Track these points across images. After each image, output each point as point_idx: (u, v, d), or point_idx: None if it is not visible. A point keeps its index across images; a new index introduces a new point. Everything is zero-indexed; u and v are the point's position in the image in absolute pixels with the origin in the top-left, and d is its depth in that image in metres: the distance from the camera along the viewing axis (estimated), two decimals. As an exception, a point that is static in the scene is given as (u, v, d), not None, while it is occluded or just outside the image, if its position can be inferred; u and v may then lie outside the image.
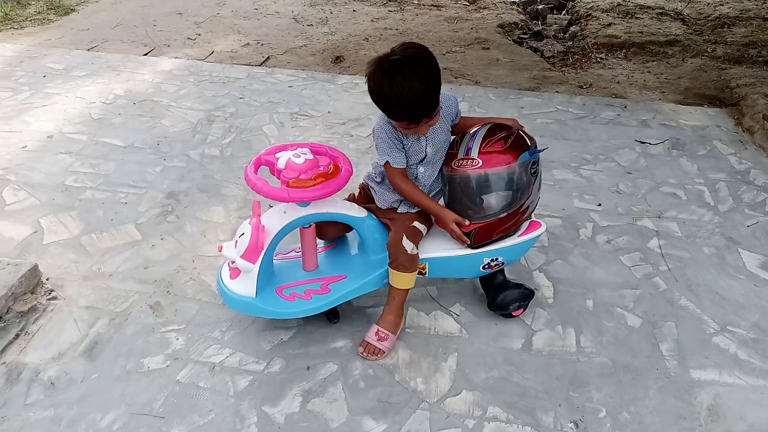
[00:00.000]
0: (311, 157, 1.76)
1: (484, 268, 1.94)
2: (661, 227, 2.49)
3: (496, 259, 1.92)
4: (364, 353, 1.87)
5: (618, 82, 3.90)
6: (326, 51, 4.28)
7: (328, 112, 3.39)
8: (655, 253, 2.35)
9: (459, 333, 1.98)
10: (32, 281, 2.06)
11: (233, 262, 1.80)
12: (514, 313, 2.01)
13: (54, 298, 2.08)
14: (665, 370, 1.86)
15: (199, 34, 4.53)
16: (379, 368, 1.84)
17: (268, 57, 4.11)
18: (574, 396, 1.78)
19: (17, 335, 1.93)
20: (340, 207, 1.86)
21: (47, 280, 2.13)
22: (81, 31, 4.49)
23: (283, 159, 1.75)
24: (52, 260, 2.23)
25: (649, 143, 3.11)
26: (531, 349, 1.93)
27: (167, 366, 1.84)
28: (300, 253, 1.98)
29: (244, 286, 1.81)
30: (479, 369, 1.85)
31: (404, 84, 1.60)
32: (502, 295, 1.98)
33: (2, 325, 1.93)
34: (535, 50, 4.47)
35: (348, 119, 3.32)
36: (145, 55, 4.10)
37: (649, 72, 4.07)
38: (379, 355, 1.87)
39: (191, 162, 2.88)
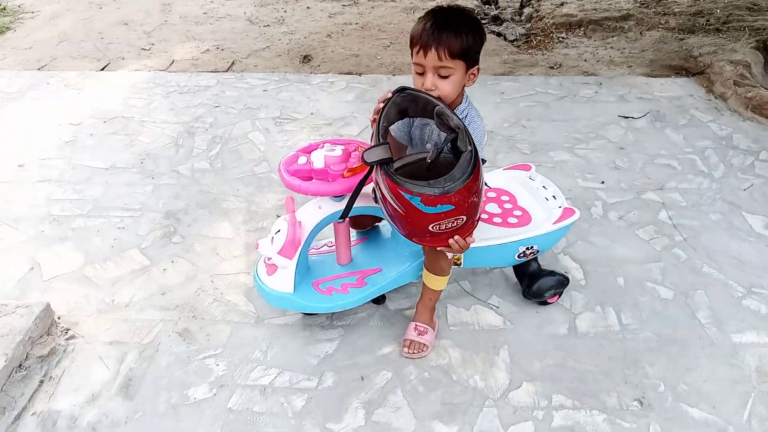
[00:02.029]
0: (339, 148, 1.70)
1: (519, 256, 1.93)
2: (665, 199, 2.55)
3: (531, 247, 1.92)
4: (409, 351, 1.84)
5: (585, 60, 3.98)
6: (291, 51, 4.17)
7: (311, 114, 3.30)
8: (667, 224, 2.41)
9: (503, 325, 1.96)
10: (47, 322, 1.91)
11: (269, 259, 1.75)
12: (549, 301, 2.02)
13: (72, 337, 1.93)
14: (707, 339, 1.91)
15: (152, 44, 4.32)
16: (434, 370, 1.81)
17: (233, 62, 3.97)
18: (630, 374, 1.80)
19: (41, 382, 1.79)
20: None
21: (59, 318, 1.99)
22: (24, 50, 4.20)
23: (318, 159, 1.68)
24: (59, 296, 2.08)
25: (632, 117, 3.19)
26: (577, 332, 1.94)
27: (214, 395, 1.74)
28: (333, 246, 1.94)
29: (282, 282, 1.76)
30: (533, 358, 1.85)
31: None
32: (537, 283, 1.98)
33: (24, 373, 1.79)
34: (498, 34, 4.49)
35: (333, 119, 3.24)
36: (102, 69, 3.87)
37: (612, 48, 4.17)
38: (423, 350, 1.84)
39: (182, 178, 2.74)
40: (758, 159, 2.81)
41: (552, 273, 2.00)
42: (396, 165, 1.48)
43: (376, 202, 1.63)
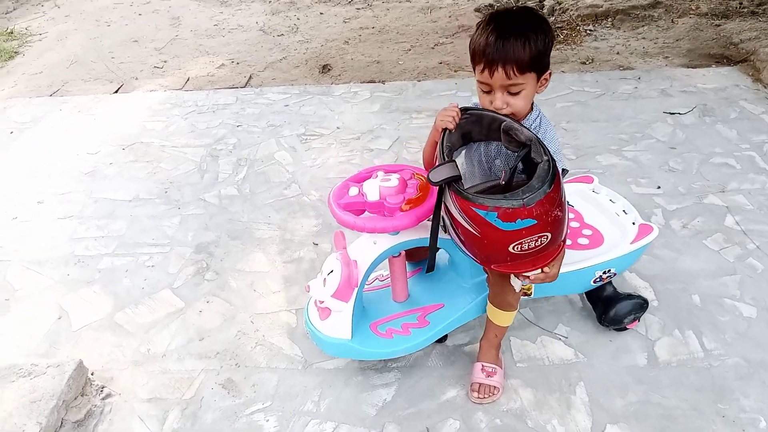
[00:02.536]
0: (394, 177, 1.54)
1: (594, 281, 1.77)
2: (728, 202, 2.37)
3: (609, 270, 1.75)
4: (479, 396, 1.67)
5: (618, 53, 3.78)
6: (309, 61, 4.01)
7: (337, 128, 3.14)
8: (736, 230, 2.23)
9: (575, 357, 1.79)
10: (80, 381, 1.77)
11: (322, 302, 1.59)
12: (628, 326, 1.84)
13: (108, 395, 1.79)
14: (803, 361, 1.73)
15: (165, 61, 4.18)
16: (507, 416, 1.64)
17: (251, 76, 3.82)
18: (723, 408, 1.62)
19: (80, 449, 1.65)
20: (433, 229, 1.66)
21: (93, 375, 1.84)
22: (34, 75, 4.07)
23: (372, 190, 1.52)
24: (90, 348, 1.94)
25: (679, 113, 3.00)
26: (658, 362, 1.76)
27: (268, 455, 1.60)
28: (385, 281, 1.79)
29: (338, 328, 1.61)
30: (613, 395, 1.68)
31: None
32: (614, 309, 1.80)
33: (60, 441, 1.65)
34: (521, 31, 4.31)
35: (360, 133, 3.08)
36: (116, 92, 3.73)
37: (644, 38, 3.97)
38: (495, 394, 1.68)
39: (210, 207, 2.59)
40: (822, 152, 2.62)
41: (629, 296, 1.83)
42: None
43: (445, 231, 1.46)
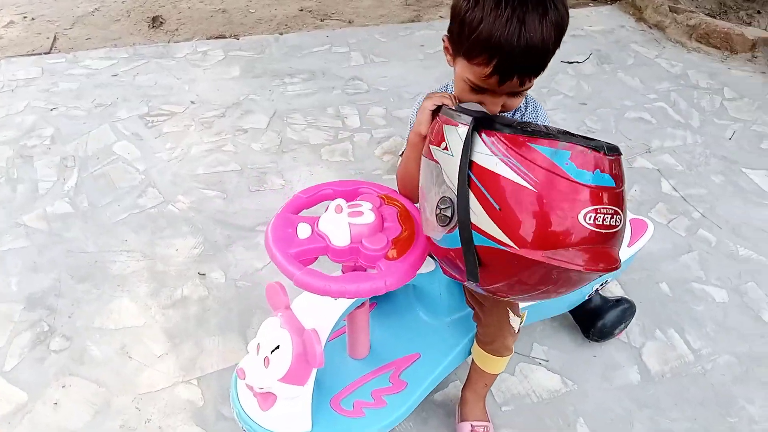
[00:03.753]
0: (367, 206, 1.05)
1: (589, 296, 1.46)
2: (658, 164, 2.20)
3: (606, 282, 1.45)
4: None
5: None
6: (132, 12, 3.18)
7: (192, 103, 2.47)
8: (675, 197, 2.06)
9: (564, 386, 1.49)
10: None
11: (261, 387, 1.10)
12: (617, 336, 1.58)
13: None
14: (790, 346, 1.60)
15: None
16: (510, 485, 1.31)
17: (55, 37, 2.92)
18: (734, 422, 1.43)
19: None
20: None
21: None
22: None
23: (338, 231, 1.01)
24: None
25: (577, 62, 2.78)
26: (651, 376, 1.52)
27: None
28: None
29: (290, 419, 1.14)
30: (617, 428, 1.41)
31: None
32: (602, 320, 1.52)
33: None
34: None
35: (225, 107, 2.45)
36: None
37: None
38: (492, 458, 1.33)
39: (35, 235, 1.87)
40: (725, 99, 2.55)
41: (617, 302, 1.55)
42: None
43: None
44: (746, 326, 1.65)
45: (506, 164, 0.83)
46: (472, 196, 0.85)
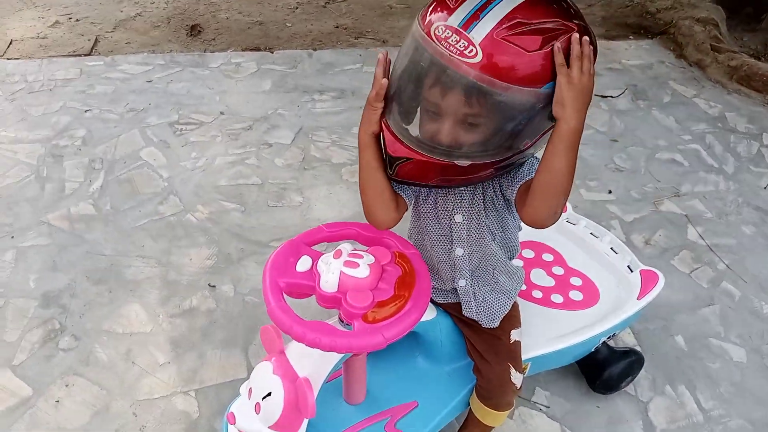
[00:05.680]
0: (368, 259, 1.03)
1: (595, 348, 1.42)
2: (687, 209, 2.13)
3: (613, 334, 1.41)
4: None
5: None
6: (173, 19, 3.25)
7: (221, 114, 2.51)
8: (701, 246, 1.99)
9: (565, 436, 1.45)
10: None
11: None
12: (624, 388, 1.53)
13: None
14: (807, 416, 1.52)
15: (-26, 14, 3.21)
16: None
17: (96, 39, 3.00)
18: (742, 494, 1.37)
19: None
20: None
21: None
22: None
23: (329, 275, 0.99)
24: None
25: (611, 96, 2.72)
26: (658, 433, 1.47)
27: None
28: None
29: None
30: (619, 489, 1.36)
31: None
32: (608, 372, 1.47)
33: None
34: None
35: (252, 120, 2.48)
36: None
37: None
38: None
39: (57, 234, 1.91)
40: (763, 145, 2.46)
41: (625, 354, 1.50)
42: None
43: None
44: (764, 390, 1.58)
45: None
46: None
